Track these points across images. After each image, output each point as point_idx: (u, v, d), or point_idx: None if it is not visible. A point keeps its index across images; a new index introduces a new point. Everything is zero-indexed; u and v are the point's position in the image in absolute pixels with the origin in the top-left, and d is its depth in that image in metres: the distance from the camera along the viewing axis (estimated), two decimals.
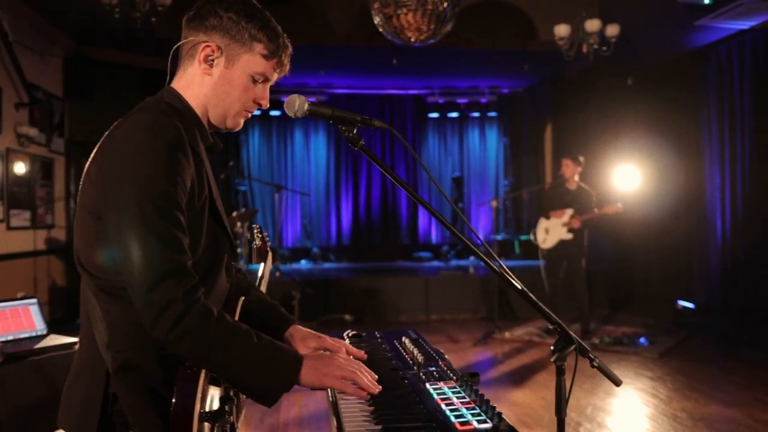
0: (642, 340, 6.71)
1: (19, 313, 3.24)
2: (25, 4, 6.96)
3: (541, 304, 1.65)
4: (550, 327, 5.98)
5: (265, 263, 2.34)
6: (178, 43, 1.55)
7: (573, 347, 1.61)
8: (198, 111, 1.53)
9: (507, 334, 7.09)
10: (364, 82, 10.95)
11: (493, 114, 11.68)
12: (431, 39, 4.79)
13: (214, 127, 1.58)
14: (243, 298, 1.63)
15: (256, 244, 2.45)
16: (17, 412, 2.85)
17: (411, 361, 1.58)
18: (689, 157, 8.12)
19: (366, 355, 1.62)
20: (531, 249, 8.66)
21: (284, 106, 1.59)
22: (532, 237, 7.30)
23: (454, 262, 10.85)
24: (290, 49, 1.60)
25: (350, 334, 1.89)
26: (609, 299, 8.89)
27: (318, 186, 11.70)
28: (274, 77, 1.60)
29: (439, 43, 5.87)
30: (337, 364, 1.44)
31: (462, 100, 11.46)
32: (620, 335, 6.83)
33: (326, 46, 7.33)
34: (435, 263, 11.08)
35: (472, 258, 10.89)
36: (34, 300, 3.41)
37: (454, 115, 11.69)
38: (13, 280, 6.94)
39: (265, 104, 1.61)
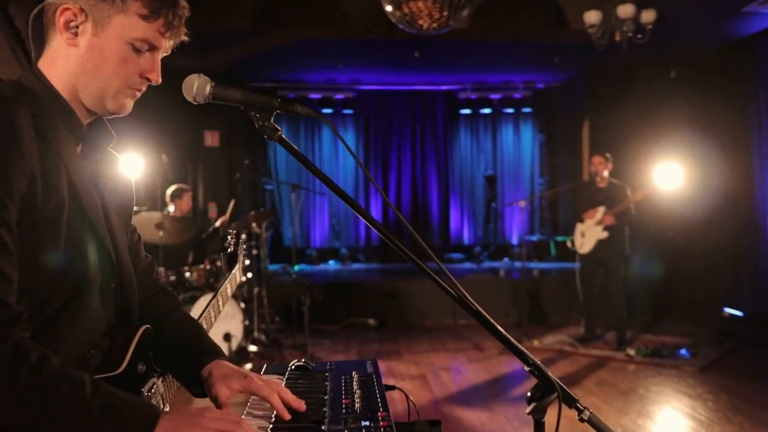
0: (683, 351, 6.22)
1: None
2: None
3: (505, 333, 1.31)
4: (584, 336, 5.49)
5: (230, 271, 2.07)
6: (36, 8, 1.26)
7: (555, 396, 1.26)
8: (64, 92, 1.24)
9: (536, 342, 6.68)
10: (393, 77, 10.64)
11: (527, 110, 11.22)
12: (445, 27, 4.46)
13: (93, 112, 1.28)
14: (145, 327, 1.32)
15: (228, 251, 2.18)
16: None
17: (344, 411, 1.26)
18: (736, 154, 7.54)
19: (303, 406, 1.29)
20: (567, 251, 8.23)
21: (182, 89, 1.29)
22: (569, 244, 6.90)
23: (486, 264, 10.46)
24: (182, 7, 1.28)
25: (294, 366, 1.58)
26: (649, 306, 8.37)
27: (346, 185, 11.43)
28: (165, 43, 1.28)
29: (463, 33, 5.53)
30: (204, 425, 1.09)
31: (495, 96, 11.02)
32: (659, 346, 6.34)
33: (344, 39, 7.04)
34: (467, 265, 10.71)
35: (505, 260, 10.49)
36: None
37: (487, 111, 11.27)
38: None
39: (156, 78, 1.29)
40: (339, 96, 10.98)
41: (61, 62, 1.23)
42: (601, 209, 6.36)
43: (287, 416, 1.24)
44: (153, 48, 1.26)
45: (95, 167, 1.33)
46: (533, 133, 11.34)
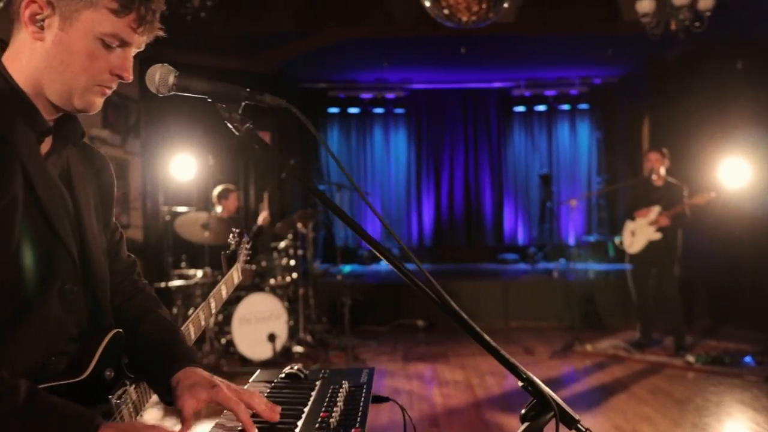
0: (747, 359, 5.85)
1: None
2: None
3: (494, 344, 1.18)
4: (640, 340, 5.21)
5: (228, 272, 2.01)
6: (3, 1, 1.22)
7: (551, 415, 1.13)
8: (28, 88, 1.18)
9: (588, 347, 6.42)
10: (444, 76, 10.49)
11: (584, 106, 10.86)
12: (486, 20, 4.30)
13: (60, 109, 1.23)
14: (114, 332, 1.25)
15: (229, 249, 2.13)
16: None
17: (318, 425, 1.17)
18: None
19: (275, 416, 1.20)
20: (626, 252, 7.92)
21: (146, 80, 1.22)
22: (617, 242, 6.61)
23: (541, 265, 10.17)
24: (156, 1, 1.21)
25: (288, 372, 1.49)
26: (712, 310, 7.94)
27: (398, 185, 11.36)
28: (137, 39, 1.22)
29: (508, 27, 5.35)
30: None
31: (550, 92, 10.71)
32: (721, 353, 5.98)
33: (388, 38, 6.96)
34: (521, 266, 10.46)
35: (561, 261, 10.18)
36: None
37: (542, 108, 10.97)
38: None
39: (127, 76, 1.23)
40: (390, 95, 10.90)
41: (26, 57, 1.19)
42: (656, 209, 6.06)
43: (253, 431, 1.15)
44: (124, 44, 1.21)
45: (67, 164, 1.28)
46: (590, 130, 10.97)
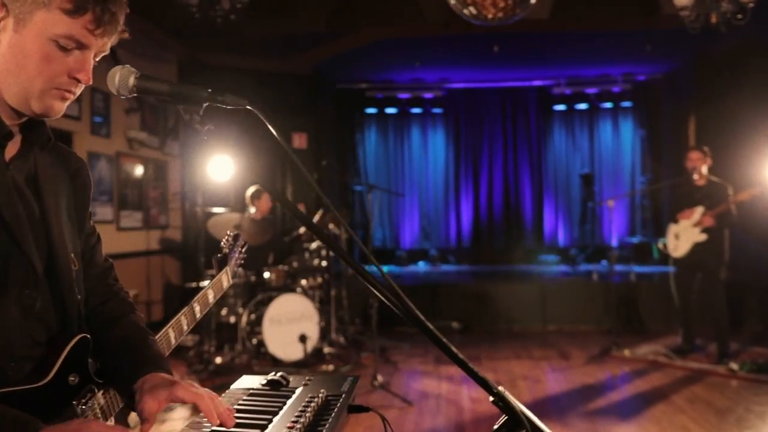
0: None
1: None
2: (134, 13, 7.18)
3: (458, 353, 1.12)
4: (682, 346, 5.00)
5: (217, 275, 1.98)
6: None
7: None
8: None
9: (626, 352, 6.21)
10: (482, 74, 10.36)
11: (627, 104, 10.58)
12: (514, 16, 4.19)
13: (21, 113, 1.21)
14: (80, 337, 1.23)
15: (222, 252, 2.11)
16: None
17: None
18: None
19: (230, 421, 1.17)
20: None
21: (107, 81, 1.19)
22: (661, 246, 6.39)
23: (583, 267, 9.94)
24: (114, 2, 1.18)
25: (271, 379, 1.45)
26: (762, 314, 7.60)
27: (436, 185, 11.27)
28: (95, 41, 1.18)
29: (542, 24, 5.22)
30: None
31: (592, 90, 10.46)
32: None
33: (419, 37, 6.88)
34: (562, 267, 10.25)
35: (604, 262, 9.92)
36: None
37: (583, 106, 10.72)
38: (124, 279, 7.19)
39: (86, 79, 1.20)
40: (428, 95, 10.82)
41: None
42: (699, 209, 5.82)
43: (215, 420, 1.13)
44: (82, 46, 1.18)
45: (35, 168, 1.26)
46: (634, 129, 10.68)
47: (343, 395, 1.36)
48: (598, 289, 8.11)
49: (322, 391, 1.35)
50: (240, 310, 6.09)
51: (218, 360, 5.94)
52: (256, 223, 6.31)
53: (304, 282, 6.33)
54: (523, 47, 7.83)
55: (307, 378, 1.48)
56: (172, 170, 8.41)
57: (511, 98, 10.95)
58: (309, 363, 5.86)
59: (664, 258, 9.55)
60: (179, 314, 1.63)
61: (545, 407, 4.69)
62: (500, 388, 1.10)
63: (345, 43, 8.09)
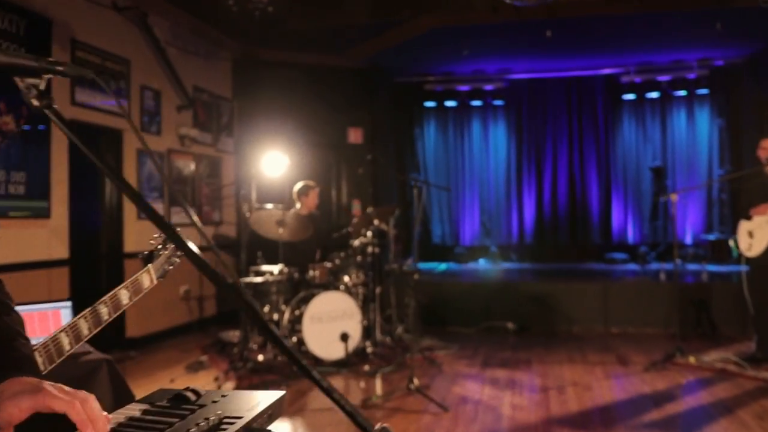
0: None
1: (48, 317, 3.09)
2: (185, 12, 7.23)
3: (315, 375, 0.89)
4: (755, 354, 4.53)
5: (140, 273, 1.83)
6: None
7: None
8: None
9: (692, 359, 5.72)
10: (546, 64, 9.92)
11: (703, 91, 9.86)
12: None
13: None
14: None
15: (149, 251, 1.96)
16: None
17: None
18: None
19: (104, 428, 1.00)
20: None
21: None
22: (732, 244, 5.85)
23: (654, 265, 9.35)
24: None
25: (180, 393, 1.27)
26: None
27: (498, 180, 10.90)
28: None
29: (599, 7, 4.83)
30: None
31: (664, 77, 9.82)
32: None
33: (467, 25, 6.58)
34: (630, 266, 9.69)
35: (678, 261, 9.28)
36: (68, 304, 3.25)
37: (654, 95, 10.08)
38: (174, 275, 7.25)
39: None
40: (489, 87, 10.48)
41: None
42: None
43: (87, 429, 0.97)
44: None
45: None
46: (711, 118, 9.95)
47: (244, 418, 1.16)
48: (667, 289, 7.56)
49: (219, 412, 1.16)
50: (283, 307, 6.00)
51: (260, 358, 5.88)
52: (301, 219, 6.19)
53: (347, 279, 6.19)
54: (581, 32, 7.37)
55: (221, 394, 1.30)
56: (226, 167, 8.46)
57: (577, 88, 10.44)
58: (350, 363, 5.72)
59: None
60: (78, 317, 1.47)
61: (591, 418, 4.34)
62: (384, 425, 0.88)
63: (395, 35, 7.90)
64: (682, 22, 7.13)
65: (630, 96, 10.19)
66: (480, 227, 10.97)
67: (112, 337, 6.48)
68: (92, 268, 6.62)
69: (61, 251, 5.53)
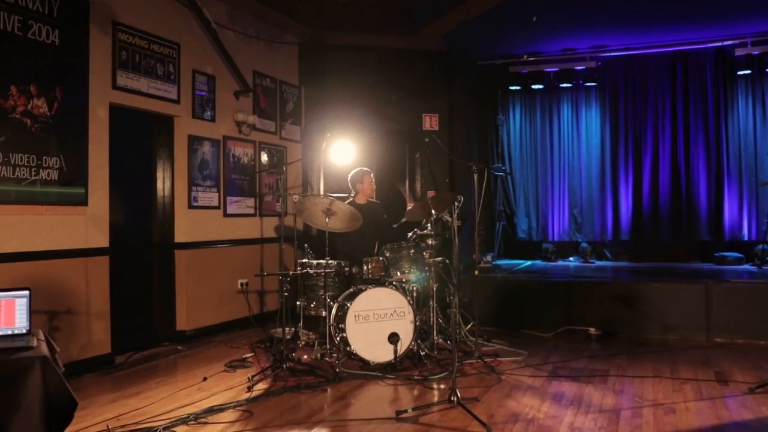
0: None
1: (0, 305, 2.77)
2: None
3: None
4: None
5: None
6: None
7: None
8: None
9: None
10: (645, 38, 8.89)
11: None
12: None
13: None
14: None
15: None
16: None
17: None
18: None
19: None
20: None
21: None
22: None
23: None
24: None
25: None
26: None
27: (590, 170, 9.95)
28: None
29: None
30: None
31: None
32: None
33: None
34: (746, 266, 8.51)
35: None
36: (26, 293, 2.91)
37: None
38: (230, 267, 7.00)
39: None
40: (579, 67, 9.55)
41: None
42: None
43: None
44: None
45: None
46: None
47: None
48: None
49: None
50: (331, 303, 5.53)
51: (305, 357, 5.45)
52: (354, 209, 5.67)
53: (398, 274, 5.63)
54: None
55: None
56: (292, 155, 8.12)
57: (681, 64, 9.30)
58: (400, 367, 5.16)
59: None
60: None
61: None
62: None
63: (471, 6, 7.26)
64: None
65: (746, 71, 8.93)
66: (570, 222, 10.06)
67: (161, 329, 6.30)
68: (140, 258, 6.47)
69: (100, 240, 5.34)
